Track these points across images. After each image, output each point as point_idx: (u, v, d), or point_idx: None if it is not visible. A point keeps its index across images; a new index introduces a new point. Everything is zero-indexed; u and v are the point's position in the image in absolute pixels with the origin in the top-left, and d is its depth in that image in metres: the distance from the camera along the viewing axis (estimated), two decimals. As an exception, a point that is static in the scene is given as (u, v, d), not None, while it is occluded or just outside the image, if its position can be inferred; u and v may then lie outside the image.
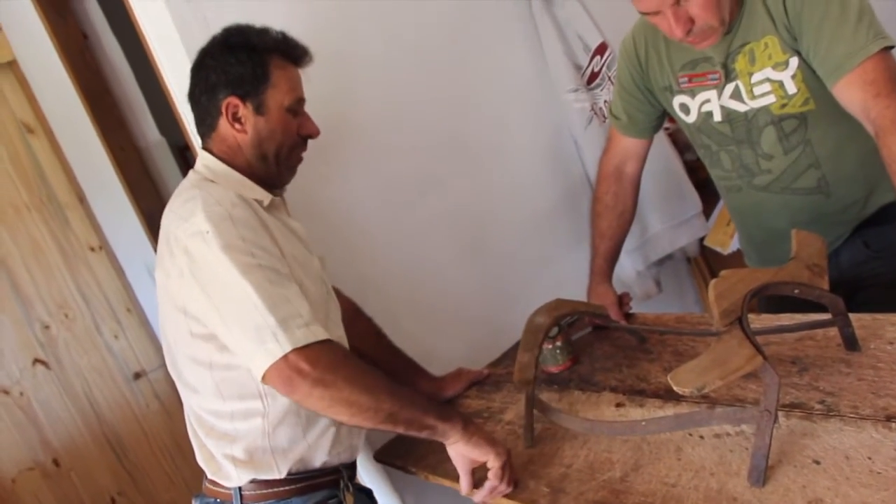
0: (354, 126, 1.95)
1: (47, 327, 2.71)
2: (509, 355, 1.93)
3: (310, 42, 1.85)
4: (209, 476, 1.45)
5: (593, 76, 2.34)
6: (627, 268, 2.41)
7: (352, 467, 1.55)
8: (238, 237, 1.27)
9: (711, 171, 1.76)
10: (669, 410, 1.39)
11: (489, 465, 1.33)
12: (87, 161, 2.70)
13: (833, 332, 1.35)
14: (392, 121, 2.03)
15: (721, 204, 2.46)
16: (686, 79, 1.63)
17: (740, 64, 1.53)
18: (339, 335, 1.51)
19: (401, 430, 1.29)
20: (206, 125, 1.46)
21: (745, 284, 1.22)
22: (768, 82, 1.51)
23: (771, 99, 1.52)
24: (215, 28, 1.52)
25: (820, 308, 1.32)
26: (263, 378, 1.23)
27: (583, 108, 2.31)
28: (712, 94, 1.60)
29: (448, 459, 1.39)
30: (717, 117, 1.61)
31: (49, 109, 2.78)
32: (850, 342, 1.31)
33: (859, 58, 1.35)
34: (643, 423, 1.30)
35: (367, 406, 1.23)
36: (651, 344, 1.68)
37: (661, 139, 2.39)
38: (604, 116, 2.33)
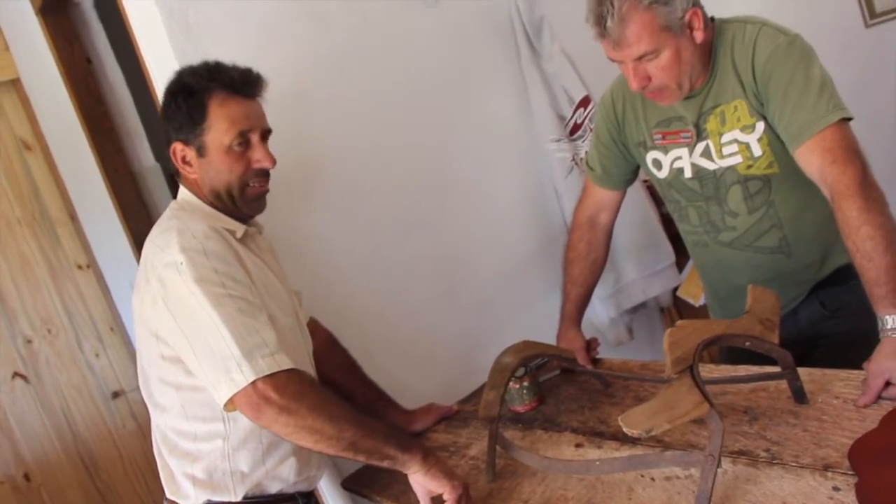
0: (342, 163, 2.02)
1: (29, 341, 2.74)
2: (479, 393, 1.97)
3: (304, 81, 1.94)
4: (168, 496, 1.49)
5: (576, 127, 2.43)
6: (601, 314, 2.47)
7: (308, 496, 1.59)
8: (210, 269, 1.32)
9: (679, 225, 1.83)
10: (625, 452, 1.44)
11: (445, 496, 1.37)
12: (82, 181, 2.76)
13: (785, 384, 1.41)
14: (380, 160, 2.10)
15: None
16: (660, 136, 1.71)
17: (711, 124, 1.61)
18: (306, 368, 1.56)
19: (362, 458, 1.33)
20: (173, 165, 1.53)
21: (699, 335, 1.28)
22: (736, 143, 1.59)
23: (738, 159, 1.60)
24: (215, 57, 1.59)
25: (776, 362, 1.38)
26: (231, 403, 1.28)
27: (564, 158, 2.40)
28: (684, 151, 1.67)
29: (412, 489, 1.43)
30: (688, 174, 1.68)
31: (48, 128, 2.84)
32: (799, 395, 1.38)
33: (819, 126, 1.44)
34: (598, 462, 1.35)
35: (330, 434, 1.27)
36: (615, 389, 1.74)
37: (639, 191, 2.47)
38: (583, 167, 2.42)
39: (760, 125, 1.55)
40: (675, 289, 2.61)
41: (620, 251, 2.46)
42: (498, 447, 1.55)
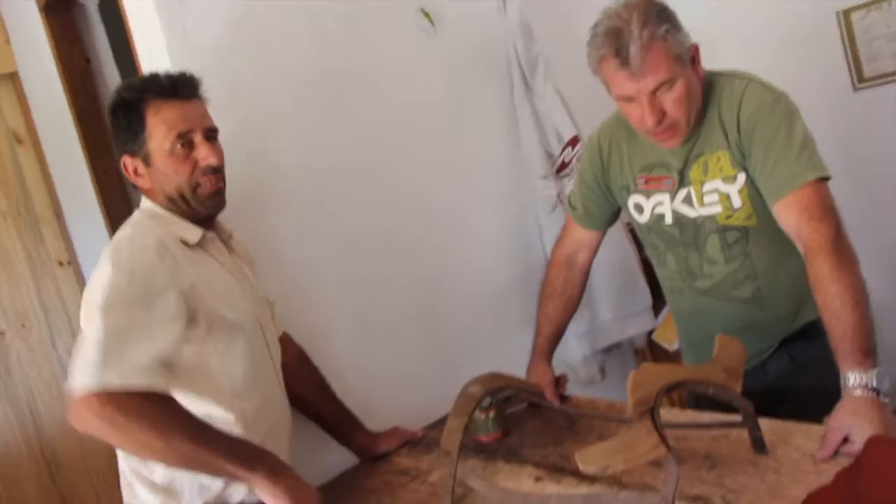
0: (326, 181, 2.04)
1: (2, 334, 2.73)
2: (445, 421, 1.97)
3: (296, 95, 1.96)
4: (125, 501, 1.48)
5: (563, 165, 2.46)
6: (575, 351, 2.48)
7: None
8: (126, 281, 1.32)
9: (658, 269, 1.85)
10: (584, 489, 1.45)
11: None
12: (70, 179, 2.77)
13: (747, 433, 1.42)
14: (365, 181, 2.11)
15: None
16: (643, 180, 1.73)
17: (694, 173, 1.63)
18: (268, 376, 1.56)
19: (203, 471, 1.31)
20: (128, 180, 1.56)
21: (663, 378, 1.30)
22: (717, 193, 1.61)
23: (718, 209, 1.62)
24: (210, 68, 1.62)
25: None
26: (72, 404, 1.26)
27: (550, 195, 2.42)
28: (665, 197, 1.69)
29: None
30: (668, 220, 1.70)
31: (41, 124, 2.86)
32: (758, 445, 1.39)
33: (798, 182, 1.47)
34: (553, 497, 1.36)
35: (158, 448, 1.24)
36: (580, 426, 1.75)
37: (621, 233, 2.50)
38: (568, 205, 2.45)
39: (742, 177, 1.57)
40: (651, 332, 2.62)
41: (599, 291, 2.48)
42: (458, 476, 1.55)
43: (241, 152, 1.78)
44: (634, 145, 1.73)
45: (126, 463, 1.46)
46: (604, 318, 2.49)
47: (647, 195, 1.73)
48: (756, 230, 1.62)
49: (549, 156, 2.45)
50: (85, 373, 1.23)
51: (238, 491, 1.46)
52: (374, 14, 2.17)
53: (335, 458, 1.89)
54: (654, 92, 1.49)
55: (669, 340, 2.56)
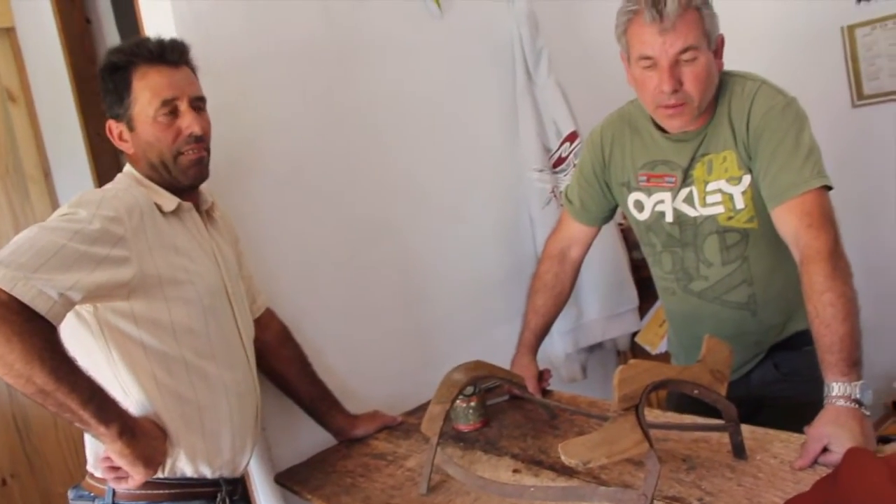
0: (321, 160, 2.02)
1: (-20, 292, 2.69)
2: (425, 408, 1.96)
3: (300, 71, 1.94)
4: (88, 468, 1.47)
5: (560, 161, 2.45)
6: (558, 348, 2.48)
7: (233, 483, 1.56)
8: (87, 214, 1.29)
9: (653, 269, 1.84)
10: (561, 484, 1.44)
11: (129, 481, 1.35)
12: (61, 140, 2.73)
13: (727, 438, 1.42)
14: (359, 163, 2.10)
15: (657, 304, 2.56)
16: (644, 177, 1.72)
17: (698, 171, 1.63)
18: (231, 349, 1.54)
19: (53, 410, 1.23)
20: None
21: (649, 376, 1.29)
22: (720, 193, 1.61)
23: (720, 209, 1.62)
24: (214, 35, 1.59)
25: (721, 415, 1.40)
26: None
27: (544, 189, 2.42)
28: (667, 195, 1.69)
29: (345, 491, 1.41)
30: (669, 218, 1.69)
31: (36, 82, 2.82)
32: (738, 450, 1.39)
33: (801, 189, 1.48)
34: (532, 489, 1.35)
35: (19, 373, 1.17)
36: (560, 421, 1.74)
37: (612, 233, 2.50)
38: (561, 200, 2.44)
39: (747, 178, 1.58)
40: (635, 334, 2.62)
41: (586, 289, 2.48)
42: (436, 462, 1.54)
43: (234, 124, 1.77)
44: (637, 141, 1.73)
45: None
46: (589, 317, 2.49)
47: (649, 193, 1.72)
48: (756, 234, 1.63)
49: (546, 150, 2.44)
50: None
51: (196, 464, 1.45)
52: (382, -8, 2.15)
53: (313, 438, 1.87)
54: (677, 56, 1.49)
55: (652, 343, 2.56)
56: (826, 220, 1.46)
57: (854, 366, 1.34)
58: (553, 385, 1.94)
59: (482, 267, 2.39)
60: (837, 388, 1.33)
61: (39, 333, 1.18)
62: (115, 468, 1.35)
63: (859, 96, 2.69)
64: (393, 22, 2.18)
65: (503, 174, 2.45)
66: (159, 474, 1.40)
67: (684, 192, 1.66)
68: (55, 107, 2.72)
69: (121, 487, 1.38)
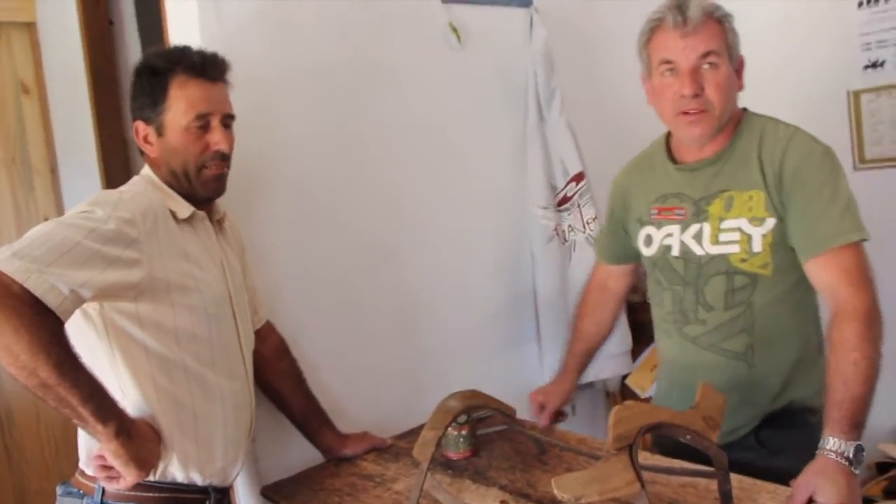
0: (330, 180, 2.05)
1: (-23, 282, 2.68)
2: (415, 432, 1.97)
3: (315, 88, 1.97)
4: (80, 465, 1.47)
5: (565, 199, 2.48)
6: (549, 385, 2.50)
7: (222, 492, 1.57)
8: (103, 214, 1.31)
9: (654, 310, 1.80)
10: (547, 518, 1.46)
11: (121, 482, 1.35)
12: (72, 136, 2.74)
13: (714, 485, 1.43)
14: (367, 186, 2.13)
15: (650, 348, 2.58)
16: (656, 210, 1.71)
17: (715, 207, 1.59)
18: (231, 359, 1.55)
19: (52, 404, 1.23)
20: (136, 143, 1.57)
21: (644, 418, 1.31)
22: (738, 232, 1.56)
23: (734, 249, 1.57)
24: (237, 50, 1.62)
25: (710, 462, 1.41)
26: None
27: (547, 226, 2.44)
28: (676, 228, 1.66)
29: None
30: (675, 252, 1.66)
31: (52, 77, 2.83)
32: (726, 498, 1.40)
33: (839, 241, 1.46)
34: (520, 520, 1.36)
35: (24, 365, 1.18)
36: (549, 456, 1.75)
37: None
38: (564, 238, 2.47)
39: (771, 222, 1.54)
40: (625, 376, 2.64)
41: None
42: (424, 488, 1.55)
43: (250, 139, 1.79)
44: (652, 177, 1.74)
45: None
46: (582, 356, 2.50)
47: (659, 226, 1.70)
48: (766, 281, 1.57)
49: (553, 188, 2.47)
50: (11, 252, 1.19)
51: (188, 470, 1.45)
52: (403, 22, 2.20)
53: (301, 454, 1.88)
54: (699, 61, 1.51)
55: (642, 387, 2.57)
56: (865, 278, 1.44)
57: (856, 428, 1.35)
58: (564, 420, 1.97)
59: (481, 298, 2.41)
60: (833, 443, 1.34)
61: (48, 327, 1.19)
62: (108, 467, 1.35)
63: (861, 160, 2.74)
64: (411, 51, 2.22)
65: (508, 209, 2.48)
66: (150, 477, 1.40)
67: (694, 227, 1.63)
68: (69, 104, 2.73)
69: (111, 487, 1.38)
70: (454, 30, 2.28)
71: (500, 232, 2.47)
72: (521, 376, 2.49)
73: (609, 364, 2.53)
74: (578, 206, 2.49)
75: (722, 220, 1.59)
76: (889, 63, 2.62)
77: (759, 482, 1.47)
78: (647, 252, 1.74)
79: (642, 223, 1.75)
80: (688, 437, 1.36)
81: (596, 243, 1.96)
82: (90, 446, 1.41)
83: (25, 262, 1.18)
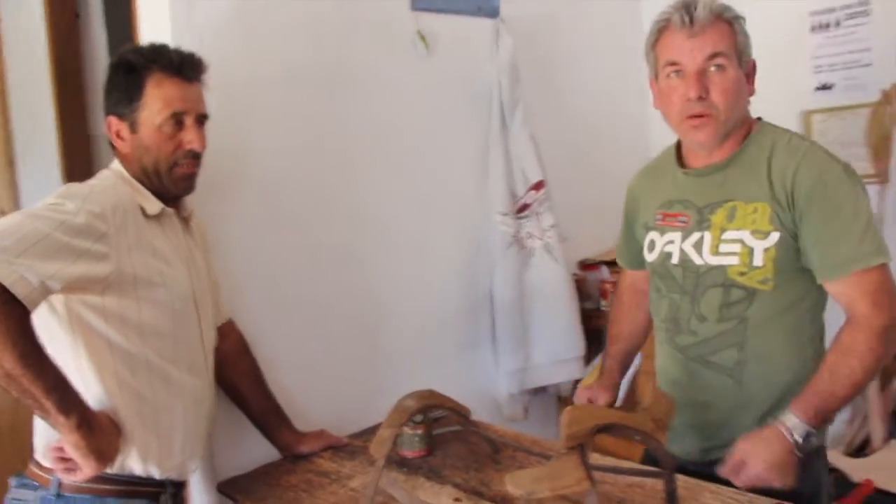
0: (292, 181, 2.08)
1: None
2: (371, 432, 2.00)
3: (284, 91, 1.99)
4: (35, 456, 1.47)
5: (524, 207, 2.53)
6: (502, 388, 2.54)
7: (178, 486, 1.59)
8: (73, 207, 1.33)
9: (653, 318, 1.76)
10: (500, 515, 1.50)
11: (79, 473, 1.35)
12: (33, 130, 2.72)
13: (660, 485, 1.48)
14: (329, 188, 2.16)
15: (599, 357, 2.64)
16: (660, 216, 1.67)
17: (717, 217, 1.55)
18: (193, 354, 1.57)
19: (15, 394, 1.24)
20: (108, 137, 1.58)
21: (596, 418, 1.35)
22: (740, 244, 1.51)
23: (734, 261, 1.52)
24: (207, 48, 1.63)
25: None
26: None
27: (506, 232, 2.49)
28: (677, 236, 1.62)
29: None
30: (675, 259, 1.62)
31: (14, 70, 2.80)
32: (671, 498, 1.45)
33: (861, 265, 1.42)
34: (473, 516, 1.40)
35: None
36: (502, 456, 1.79)
37: (567, 283, 2.58)
38: (522, 245, 2.53)
39: (775, 236, 1.48)
40: (578, 381, 2.69)
41: (536, 333, 2.55)
42: (380, 485, 1.57)
43: (217, 139, 1.80)
44: (660, 182, 1.71)
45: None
46: (536, 361, 2.55)
47: (662, 232, 1.67)
48: (764, 297, 1.51)
49: (513, 195, 2.52)
50: None
51: (145, 463, 1.47)
52: (373, 28, 2.23)
53: (258, 451, 1.89)
54: (705, 63, 1.47)
55: (594, 392, 2.63)
56: (889, 298, 1.42)
57: (819, 418, 1.38)
58: (494, 420, 2.00)
59: (440, 301, 2.45)
60: (790, 419, 1.38)
61: (14, 317, 1.20)
62: (66, 459, 1.35)
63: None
64: (380, 57, 2.26)
65: (469, 214, 2.52)
66: (108, 470, 1.40)
67: (695, 236, 1.58)
68: (31, 96, 2.71)
69: (68, 479, 1.38)
70: (422, 37, 2.32)
71: (461, 236, 2.52)
72: (476, 378, 2.54)
73: (562, 368, 2.59)
74: (537, 213, 2.54)
75: (724, 230, 1.54)
76: (838, 86, 2.73)
77: (702, 483, 1.52)
78: (648, 258, 1.71)
79: (647, 228, 1.72)
80: (637, 437, 1.41)
81: (616, 250, 1.90)
82: (48, 438, 1.41)
83: None
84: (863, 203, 1.45)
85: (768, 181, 1.49)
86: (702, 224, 1.57)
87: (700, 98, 1.48)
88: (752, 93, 1.55)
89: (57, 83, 2.49)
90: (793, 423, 1.37)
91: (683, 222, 1.61)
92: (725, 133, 1.53)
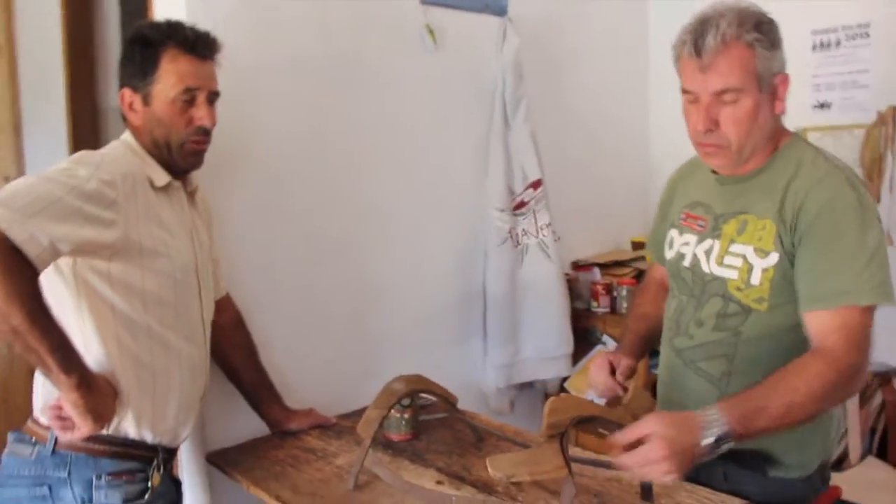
0: (296, 170, 2.12)
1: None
2: (359, 413, 2.04)
3: (292, 79, 2.03)
4: (34, 413, 1.51)
5: (521, 204, 2.58)
6: (490, 381, 2.59)
7: (170, 452, 1.63)
8: (85, 173, 1.37)
9: (664, 317, 1.73)
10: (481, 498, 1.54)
11: (76, 431, 1.39)
12: (40, 98, 2.75)
13: (637, 481, 1.54)
14: (332, 177, 2.20)
15: (590, 354, 2.69)
16: (684, 216, 1.65)
17: (729, 228, 1.52)
18: (192, 326, 1.61)
19: (19, 350, 1.28)
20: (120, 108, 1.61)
21: (577, 410, 1.40)
22: (742, 259, 1.48)
23: (733, 275, 1.49)
24: (221, 30, 1.67)
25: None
26: None
27: (502, 228, 2.54)
28: (693, 238, 1.60)
29: (273, 477, 1.48)
30: (687, 262, 1.60)
31: (25, 39, 2.83)
32: (646, 493, 1.50)
33: (850, 300, 1.34)
34: (454, 497, 1.45)
35: None
36: (485, 444, 1.85)
37: (559, 281, 2.63)
38: (517, 241, 2.58)
39: (774, 257, 1.43)
40: (565, 379, 2.75)
41: (526, 329, 2.60)
42: (365, 464, 1.62)
43: (225, 120, 1.84)
44: (692, 181, 1.68)
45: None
46: (525, 356, 2.60)
47: (682, 232, 1.65)
48: (759, 317, 1.48)
49: (511, 192, 2.57)
50: None
51: (139, 427, 1.51)
52: (382, 21, 2.28)
53: (248, 425, 1.94)
54: (717, 95, 1.40)
55: (580, 391, 2.68)
56: (866, 342, 1.35)
57: (741, 425, 1.26)
58: (480, 410, 2.03)
59: (434, 291, 2.50)
60: (712, 413, 1.26)
61: (24, 276, 1.24)
62: (63, 418, 1.39)
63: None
64: (387, 49, 2.30)
65: (467, 208, 2.57)
66: (104, 431, 1.45)
67: (707, 242, 1.56)
68: (41, 65, 2.74)
69: (65, 437, 1.42)
70: (430, 31, 2.36)
71: (457, 229, 2.56)
72: (464, 370, 2.59)
73: (550, 365, 2.64)
74: (534, 211, 2.59)
75: (732, 242, 1.51)
76: (836, 105, 2.78)
77: (678, 482, 1.56)
78: (667, 255, 1.69)
79: (672, 225, 1.70)
80: (617, 431, 1.46)
81: (647, 241, 1.87)
82: (47, 396, 1.46)
83: (8, 212, 1.22)
84: (871, 236, 1.36)
85: (782, 200, 1.44)
86: (714, 232, 1.55)
87: (709, 130, 1.43)
88: (781, 110, 1.47)
89: (68, 54, 2.52)
90: (712, 419, 1.26)
91: (701, 226, 1.59)
92: (743, 159, 1.47)
